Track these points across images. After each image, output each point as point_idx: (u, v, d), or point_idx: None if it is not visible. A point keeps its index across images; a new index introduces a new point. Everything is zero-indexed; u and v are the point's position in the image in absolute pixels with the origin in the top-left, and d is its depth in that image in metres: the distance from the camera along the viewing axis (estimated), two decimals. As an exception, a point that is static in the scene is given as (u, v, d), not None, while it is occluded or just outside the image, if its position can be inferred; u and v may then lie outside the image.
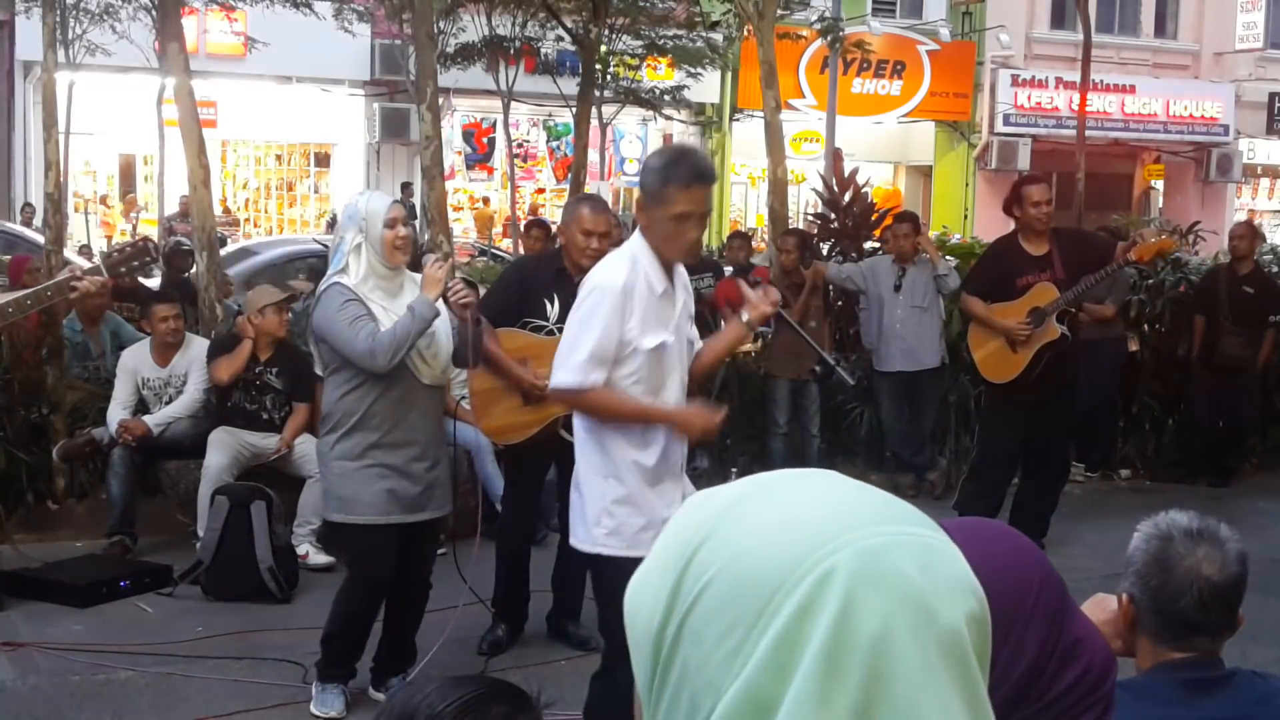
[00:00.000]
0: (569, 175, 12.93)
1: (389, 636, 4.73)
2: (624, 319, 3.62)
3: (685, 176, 3.60)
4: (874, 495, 0.87)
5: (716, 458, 8.39)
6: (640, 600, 0.88)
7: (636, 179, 19.31)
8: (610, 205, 20.81)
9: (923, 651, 0.79)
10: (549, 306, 5.09)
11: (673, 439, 3.73)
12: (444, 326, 4.48)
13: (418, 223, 15.54)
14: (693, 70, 15.97)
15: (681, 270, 3.84)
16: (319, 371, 4.64)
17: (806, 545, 0.81)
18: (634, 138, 21.79)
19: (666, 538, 0.88)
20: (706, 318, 8.04)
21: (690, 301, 3.89)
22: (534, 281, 5.19)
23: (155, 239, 11.17)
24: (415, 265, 4.63)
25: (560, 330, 4.95)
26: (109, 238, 18.41)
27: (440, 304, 4.39)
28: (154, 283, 9.40)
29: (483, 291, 5.66)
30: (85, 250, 13.62)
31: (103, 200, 19.99)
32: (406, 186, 19.20)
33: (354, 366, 4.36)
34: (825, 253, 9.29)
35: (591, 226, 4.99)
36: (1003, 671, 1.40)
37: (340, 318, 4.31)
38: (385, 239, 4.38)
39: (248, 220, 21.24)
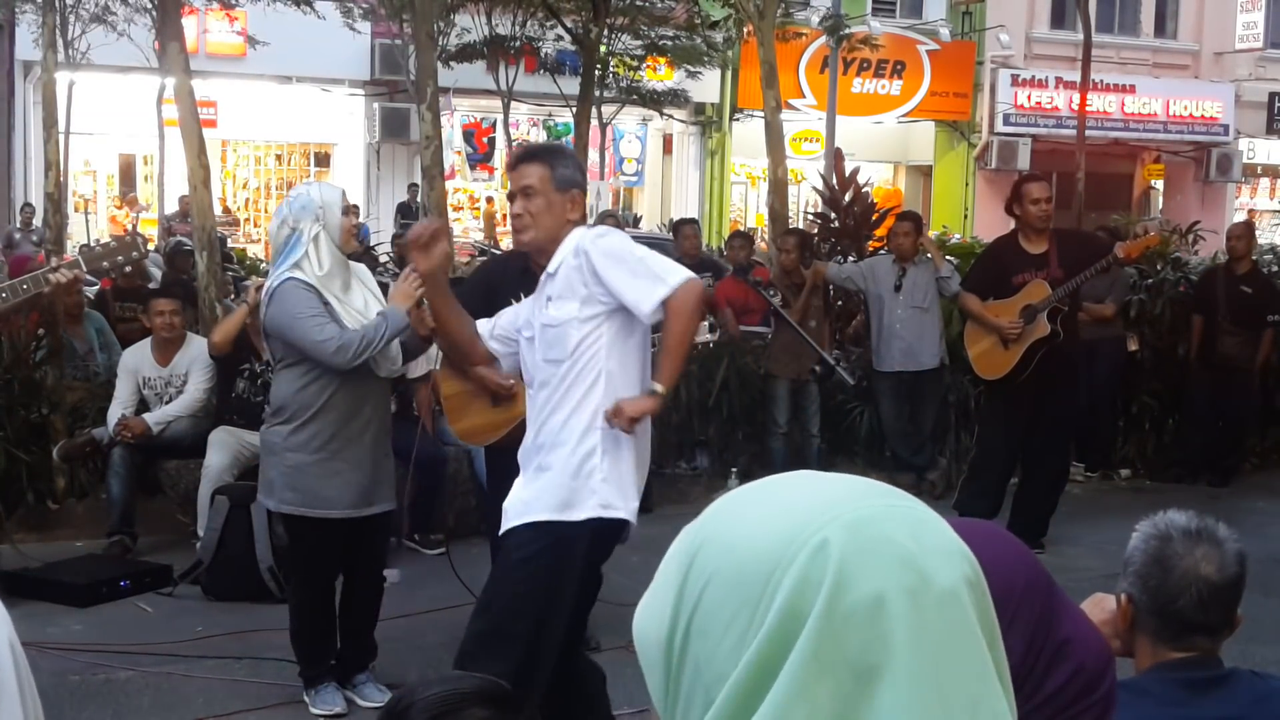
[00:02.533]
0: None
1: (345, 632, 4.73)
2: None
3: None
4: (859, 480, 0.90)
5: (717, 458, 8.39)
6: (646, 623, 0.90)
7: (635, 179, 19.41)
8: (611, 205, 20.73)
9: (920, 613, 0.81)
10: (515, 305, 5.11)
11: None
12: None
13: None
14: (692, 70, 15.99)
15: (556, 261, 3.67)
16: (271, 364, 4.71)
17: (798, 525, 0.84)
18: (634, 138, 21.79)
19: (665, 561, 0.91)
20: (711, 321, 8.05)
21: (544, 308, 3.68)
22: (499, 281, 5.18)
23: (145, 236, 11.13)
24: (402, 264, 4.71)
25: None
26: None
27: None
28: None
29: None
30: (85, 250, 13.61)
31: (114, 200, 19.98)
32: (413, 187, 19.24)
33: (313, 359, 4.41)
34: (826, 253, 9.29)
35: None
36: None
37: (302, 312, 4.35)
38: (344, 226, 4.45)
39: (248, 220, 21.23)
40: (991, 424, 7.32)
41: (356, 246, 4.68)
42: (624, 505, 3.63)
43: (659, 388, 3.62)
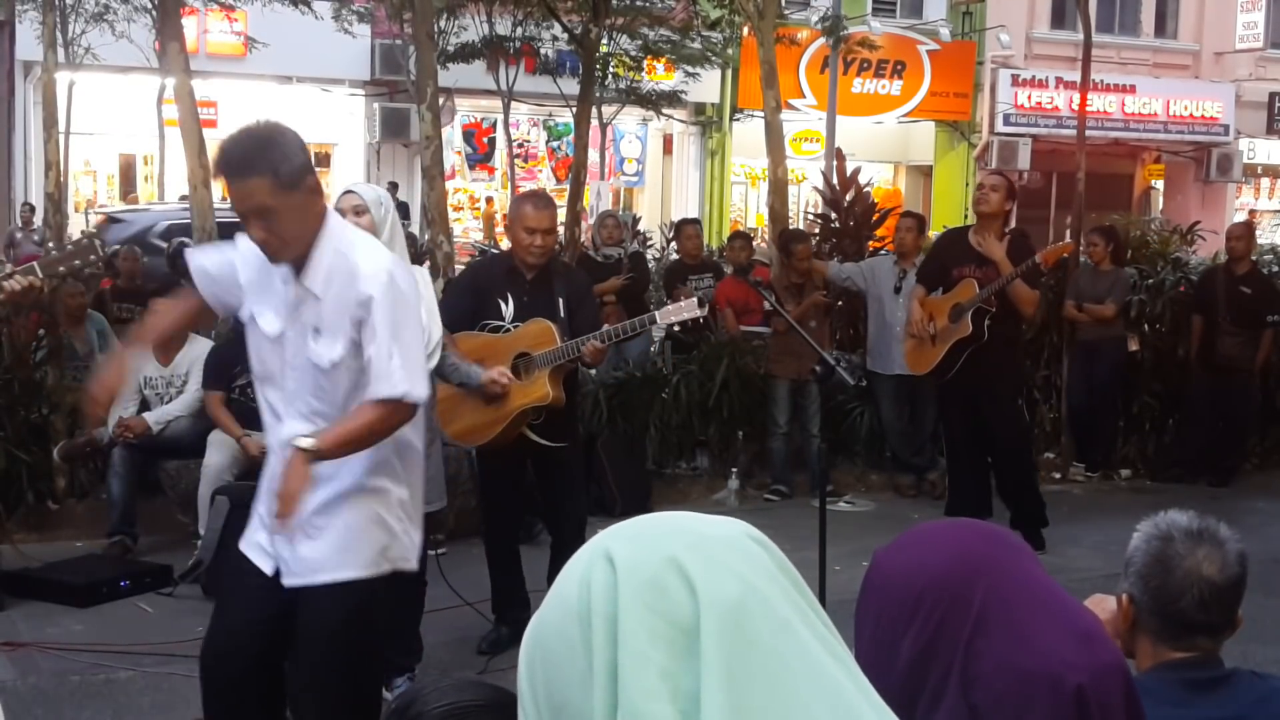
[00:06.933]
0: (569, 175, 12.94)
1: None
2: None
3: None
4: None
5: (717, 458, 8.39)
6: None
7: (636, 179, 19.34)
8: (611, 205, 20.69)
9: (710, 559, 0.91)
10: (504, 306, 5.13)
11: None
12: None
13: (417, 222, 15.56)
14: (690, 70, 16.00)
15: (321, 277, 3.13)
16: None
17: (579, 566, 0.93)
18: (634, 138, 21.80)
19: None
20: (710, 321, 8.04)
21: (309, 338, 3.14)
22: (486, 283, 5.23)
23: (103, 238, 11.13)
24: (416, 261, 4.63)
25: (516, 328, 5.00)
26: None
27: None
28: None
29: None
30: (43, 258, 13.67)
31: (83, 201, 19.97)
32: (393, 185, 19.25)
33: None
34: (826, 252, 9.28)
35: (534, 224, 5.03)
36: (885, 664, 1.42)
37: None
38: None
39: (248, 220, 21.23)
40: (942, 422, 7.42)
41: None
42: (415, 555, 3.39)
43: (307, 442, 3.05)
